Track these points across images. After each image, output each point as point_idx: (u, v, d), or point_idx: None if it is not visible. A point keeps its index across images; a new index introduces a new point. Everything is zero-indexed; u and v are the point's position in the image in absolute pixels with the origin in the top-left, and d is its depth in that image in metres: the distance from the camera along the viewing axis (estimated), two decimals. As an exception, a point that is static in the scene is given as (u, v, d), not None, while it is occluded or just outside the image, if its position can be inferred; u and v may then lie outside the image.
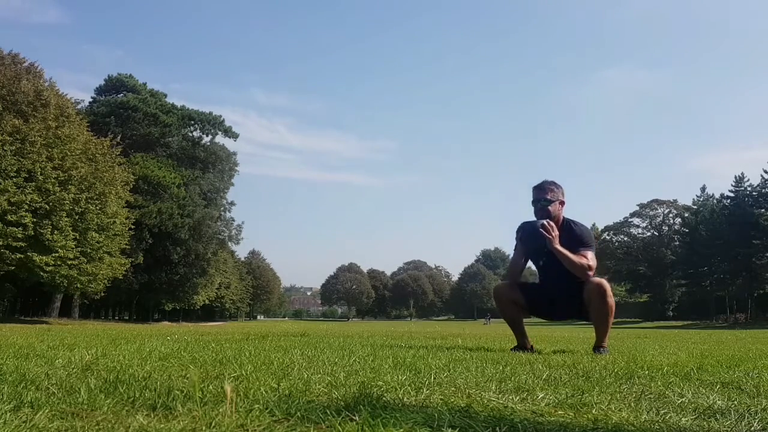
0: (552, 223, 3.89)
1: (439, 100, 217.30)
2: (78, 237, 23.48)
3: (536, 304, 4.19)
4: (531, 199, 4.08)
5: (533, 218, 4.02)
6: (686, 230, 57.07)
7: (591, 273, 3.88)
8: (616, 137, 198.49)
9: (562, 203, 4.06)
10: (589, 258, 3.89)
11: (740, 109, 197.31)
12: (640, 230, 70.50)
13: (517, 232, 4.09)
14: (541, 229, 3.85)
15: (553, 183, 4.08)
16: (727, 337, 9.21)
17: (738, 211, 47.39)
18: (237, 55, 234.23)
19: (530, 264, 4.31)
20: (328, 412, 1.36)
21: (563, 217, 4.06)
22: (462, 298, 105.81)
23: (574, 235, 3.96)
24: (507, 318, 4.22)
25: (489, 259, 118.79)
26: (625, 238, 70.85)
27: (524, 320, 4.29)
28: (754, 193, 48.00)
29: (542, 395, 1.71)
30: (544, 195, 4.00)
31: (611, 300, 3.89)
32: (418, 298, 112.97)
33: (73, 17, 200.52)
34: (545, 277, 4.19)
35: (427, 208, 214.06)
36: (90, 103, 42.55)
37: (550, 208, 3.96)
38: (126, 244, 28.56)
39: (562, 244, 3.86)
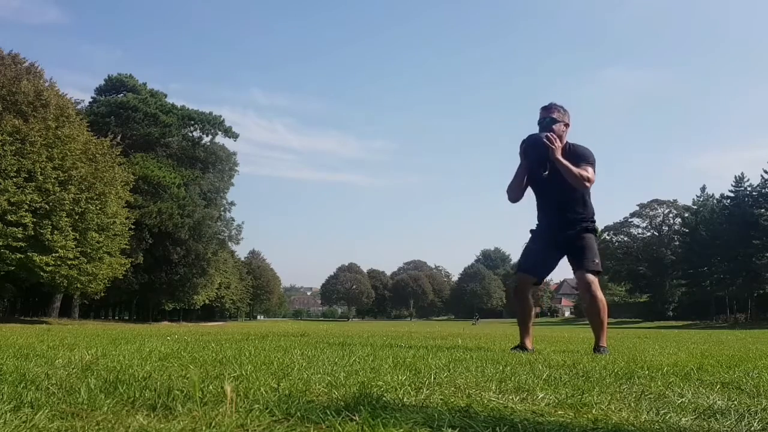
0: (555, 136, 3.93)
1: (439, 100, 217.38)
2: (78, 237, 23.47)
3: (542, 263, 4.20)
4: (537, 119, 4.11)
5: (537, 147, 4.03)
6: (686, 230, 57.06)
7: (589, 184, 3.95)
8: (616, 137, 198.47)
9: (567, 125, 4.10)
10: (590, 172, 3.95)
11: (740, 109, 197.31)
12: (640, 230, 70.50)
13: (521, 145, 4.10)
14: (544, 140, 3.88)
15: (561, 106, 4.13)
16: (727, 337, 9.21)
17: (738, 211, 47.38)
18: (236, 55, 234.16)
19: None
20: (328, 412, 1.36)
21: (567, 140, 4.09)
22: (462, 298, 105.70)
23: (576, 153, 4.01)
24: (520, 314, 4.22)
25: (489, 259, 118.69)
26: (625, 238, 70.82)
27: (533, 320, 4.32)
28: (754, 193, 47.99)
29: (542, 395, 1.71)
30: (549, 114, 4.05)
31: (599, 294, 3.91)
32: (418, 298, 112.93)
33: (73, 17, 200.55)
34: (544, 197, 4.18)
35: (427, 208, 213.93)
36: (90, 103, 42.54)
37: (554, 126, 4.00)
38: (126, 244, 28.55)
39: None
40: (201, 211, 41.23)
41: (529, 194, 4.25)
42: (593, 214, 4.16)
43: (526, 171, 4.12)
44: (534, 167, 4.09)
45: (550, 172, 3.96)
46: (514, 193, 4.18)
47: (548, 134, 3.92)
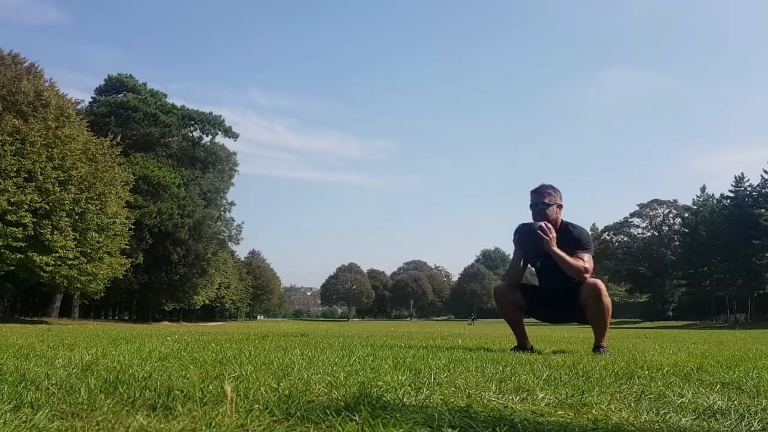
0: (549, 225, 3.90)
1: (439, 100, 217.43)
2: (78, 237, 23.48)
3: (536, 306, 4.19)
4: (529, 202, 4.09)
5: (531, 220, 4.04)
6: (686, 230, 57.05)
7: (588, 275, 3.89)
8: (616, 137, 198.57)
9: (559, 206, 4.08)
10: (586, 260, 3.90)
11: (740, 109, 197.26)
12: (640, 230, 70.54)
13: (515, 234, 4.08)
14: (538, 231, 3.86)
15: (551, 187, 4.10)
16: (727, 337, 9.21)
17: (738, 211, 47.39)
18: (236, 55, 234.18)
19: (531, 268, 4.33)
20: (328, 412, 1.36)
21: (561, 219, 4.07)
22: (462, 299, 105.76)
23: (571, 237, 3.97)
24: (507, 318, 4.23)
25: (489, 259, 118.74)
26: (625, 238, 70.85)
27: (524, 320, 4.30)
28: (754, 194, 48.00)
29: (542, 395, 1.71)
30: (541, 199, 4.02)
31: (607, 299, 3.90)
32: (418, 298, 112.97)
33: (73, 17, 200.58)
34: (543, 279, 4.21)
35: (427, 208, 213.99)
36: (90, 103, 42.56)
37: (547, 211, 3.98)
38: (126, 244, 28.56)
39: (559, 247, 3.86)
40: (201, 211, 41.24)
41: None
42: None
43: (521, 258, 4.15)
44: (530, 259, 4.12)
45: (546, 261, 3.96)
46: (514, 280, 4.25)
47: (542, 225, 3.88)
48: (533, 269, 4.32)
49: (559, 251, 3.84)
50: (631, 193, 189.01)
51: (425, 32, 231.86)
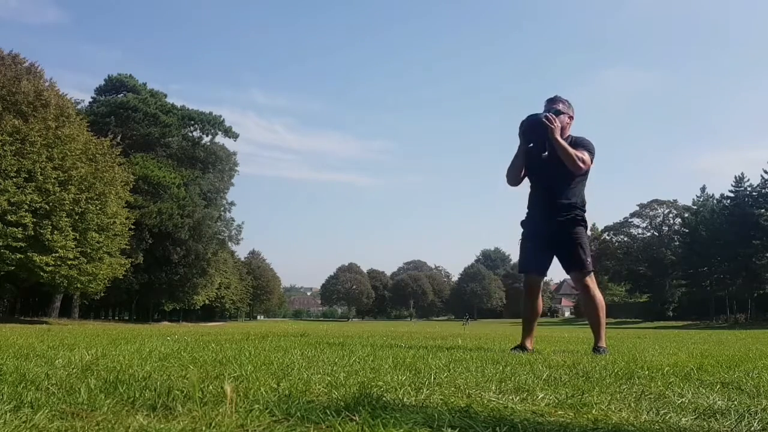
0: (554, 116, 3.92)
1: (439, 101, 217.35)
2: (78, 237, 23.47)
3: (539, 259, 4.16)
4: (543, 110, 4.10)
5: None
6: (686, 230, 57.03)
7: (583, 167, 3.92)
8: (616, 137, 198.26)
9: (571, 118, 4.11)
10: (586, 156, 3.94)
11: (740, 109, 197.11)
12: (640, 230, 70.50)
13: (520, 126, 4.07)
14: (543, 120, 3.87)
15: (566, 99, 4.14)
16: (727, 337, 9.21)
17: (738, 211, 47.37)
18: (236, 55, 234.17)
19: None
20: (328, 412, 1.36)
21: (570, 134, 4.09)
22: (462, 299, 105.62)
23: (576, 142, 4.02)
24: (529, 314, 4.19)
25: (489, 259, 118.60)
26: (625, 239, 70.82)
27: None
28: (754, 194, 47.98)
29: (542, 395, 1.71)
30: (554, 106, 4.06)
31: (597, 294, 3.90)
32: (418, 298, 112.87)
33: (72, 17, 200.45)
34: (538, 184, 4.15)
35: (428, 208, 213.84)
36: (90, 103, 42.57)
37: (559, 118, 3.99)
38: (126, 244, 28.54)
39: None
40: (201, 211, 41.22)
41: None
42: (584, 204, 4.12)
43: (524, 153, 4.10)
44: (532, 147, 4.08)
45: (548, 154, 3.96)
46: (514, 177, 4.16)
47: (547, 114, 3.91)
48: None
49: (561, 140, 3.88)
50: (631, 193, 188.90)
51: (425, 33, 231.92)
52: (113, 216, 25.80)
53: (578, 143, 4.00)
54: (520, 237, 4.23)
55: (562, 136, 3.94)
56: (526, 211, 4.24)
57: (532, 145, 4.08)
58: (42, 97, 23.92)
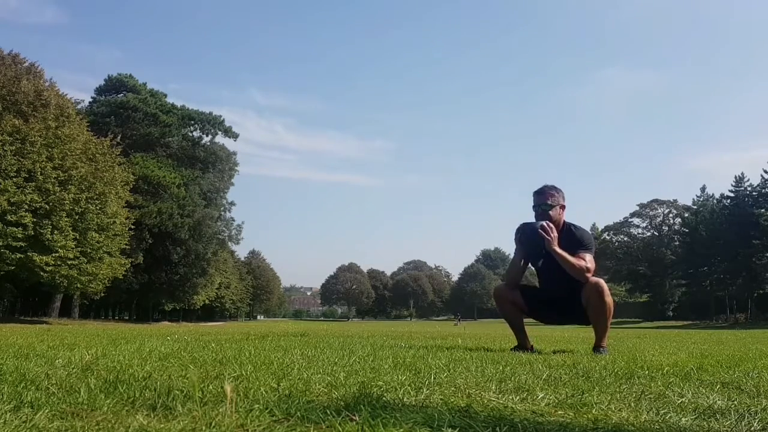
0: (551, 224, 3.90)
1: (439, 101, 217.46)
2: (78, 237, 23.48)
3: (536, 307, 4.19)
4: (531, 203, 4.09)
5: (533, 220, 4.03)
6: (686, 230, 57.05)
7: (589, 275, 3.88)
8: (616, 137, 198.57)
9: (562, 207, 4.07)
10: (587, 260, 3.89)
11: (740, 109, 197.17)
12: (640, 230, 70.57)
13: (517, 233, 4.07)
14: (540, 230, 3.86)
15: (554, 187, 4.09)
16: (727, 337, 9.20)
17: (738, 211, 47.38)
18: (235, 55, 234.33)
19: (531, 267, 4.32)
20: (328, 412, 1.36)
21: (564, 220, 4.07)
22: (462, 298, 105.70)
23: (573, 237, 3.96)
24: (507, 319, 4.23)
25: (489, 259, 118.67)
26: (625, 238, 70.86)
27: (524, 320, 4.29)
28: (754, 193, 48.00)
29: (542, 395, 1.71)
30: (544, 200, 4.01)
31: (609, 299, 3.89)
32: (418, 298, 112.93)
33: (71, 17, 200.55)
34: (544, 279, 4.20)
35: (427, 207, 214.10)
36: (90, 103, 42.59)
37: (550, 212, 3.98)
38: (126, 244, 28.56)
39: (561, 247, 3.86)
40: (201, 211, 41.24)
41: None
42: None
43: (522, 257, 4.13)
44: (531, 258, 4.10)
45: (548, 261, 3.95)
46: (513, 278, 4.23)
47: (543, 224, 3.87)
48: (533, 270, 4.32)
49: (560, 250, 3.84)
50: (631, 193, 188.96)
51: (425, 32, 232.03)
52: (113, 216, 25.81)
53: (575, 241, 3.94)
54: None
55: (555, 226, 3.92)
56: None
57: (529, 253, 4.09)
58: (42, 97, 23.92)
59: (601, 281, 3.90)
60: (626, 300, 71.19)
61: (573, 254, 3.86)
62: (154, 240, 37.39)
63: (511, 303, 4.16)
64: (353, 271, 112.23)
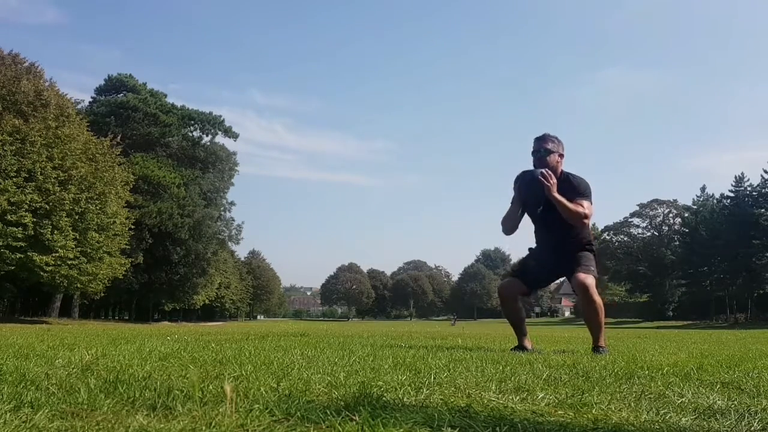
0: (550, 171, 3.90)
1: (439, 101, 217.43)
2: (78, 237, 23.47)
3: (535, 278, 4.19)
4: (531, 150, 4.08)
5: (532, 168, 4.03)
6: (686, 230, 57.04)
7: (587, 221, 3.93)
8: (616, 137, 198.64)
9: (561, 156, 4.08)
10: (586, 206, 3.91)
11: (740, 109, 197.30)
12: (640, 230, 70.50)
13: (516, 181, 4.07)
14: (539, 177, 3.86)
15: (554, 136, 4.10)
16: (727, 337, 9.20)
17: (738, 211, 47.37)
18: (236, 55, 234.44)
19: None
20: (328, 412, 1.36)
21: (562, 170, 4.07)
22: (462, 298, 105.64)
23: (571, 185, 3.97)
24: (510, 318, 4.22)
25: (489, 259, 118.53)
26: (625, 238, 70.82)
27: (525, 321, 4.29)
28: (754, 193, 47.99)
29: (542, 395, 1.71)
30: (544, 145, 4.02)
31: (597, 298, 3.87)
32: (418, 298, 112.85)
33: (71, 17, 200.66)
34: (541, 229, 4.17)
35: (428, 208, 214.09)
36: (90, 103, 42.56)
37: (548, 158, 3.97)
38: (126, 244, 28.55)
39: (560, 194, 3.87)
40: (201, 211, 41.22)
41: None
42: (592, 238, 4.16)
43: (520, 205, 4.11)
44: (529, 204, 4.08)
45: (546, 208, 3.94)
46: (509, 227, 4.18)
47: (543, 171, 3.87)
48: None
49: (559, 197, 3.85)
50: (631, 193, 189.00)
51: (425, 32, 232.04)
52: (113, 216, 25.80)
53: (573, 189, 3.94)
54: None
55: (554, 173, 3.91)
56: (535, 244, 4.27)
57: (528, 200, 4.07)
58: (42, 96, 23.91)
59: (588, 280, 3.86)
60: (626, 300, 71.17)
61: (571, 201, 3.87)
62: (154, 240, 37.38)
63: (516, 300, 4.17)
64: (353, 271, 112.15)
